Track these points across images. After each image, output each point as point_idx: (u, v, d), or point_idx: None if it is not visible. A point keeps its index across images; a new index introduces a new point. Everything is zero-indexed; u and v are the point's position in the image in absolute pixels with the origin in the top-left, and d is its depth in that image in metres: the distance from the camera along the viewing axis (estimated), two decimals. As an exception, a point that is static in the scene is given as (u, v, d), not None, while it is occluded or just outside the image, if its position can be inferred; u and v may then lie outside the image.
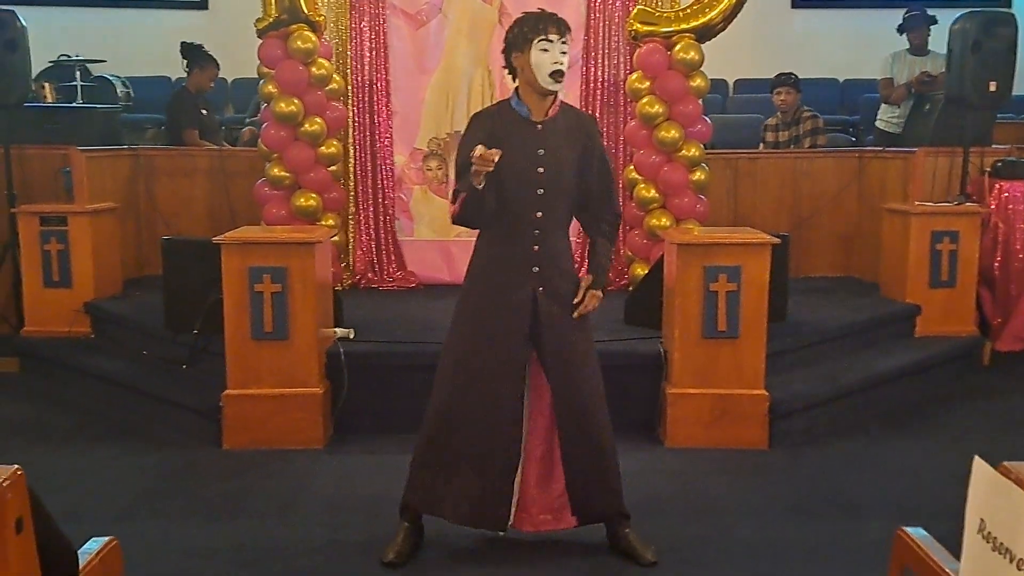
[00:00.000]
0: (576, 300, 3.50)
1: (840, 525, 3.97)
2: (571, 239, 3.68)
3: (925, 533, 2.37)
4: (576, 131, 3.48)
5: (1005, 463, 1.80)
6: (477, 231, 3.56)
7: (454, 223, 3.51)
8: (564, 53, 3.35)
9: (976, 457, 1.88)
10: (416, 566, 3.59)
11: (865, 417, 5.29)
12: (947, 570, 2.15)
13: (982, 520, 1.83)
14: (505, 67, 3.48)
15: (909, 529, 2.41)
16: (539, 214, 3.41)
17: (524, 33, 3.35)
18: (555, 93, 3.42)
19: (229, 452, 4.75)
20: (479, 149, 3.16)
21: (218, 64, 7.80)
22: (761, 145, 7.79)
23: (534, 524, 3.66)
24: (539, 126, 3.41)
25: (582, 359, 3.56)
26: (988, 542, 1.79)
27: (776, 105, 7.70)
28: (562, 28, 3.37)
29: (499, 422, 3.48)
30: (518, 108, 3.45)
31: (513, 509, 3.57)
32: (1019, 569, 1.68)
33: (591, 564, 3.62)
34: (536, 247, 3.44)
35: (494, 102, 3.63)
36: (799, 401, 5.01)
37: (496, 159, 3.14)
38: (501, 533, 3.65)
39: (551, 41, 3.32)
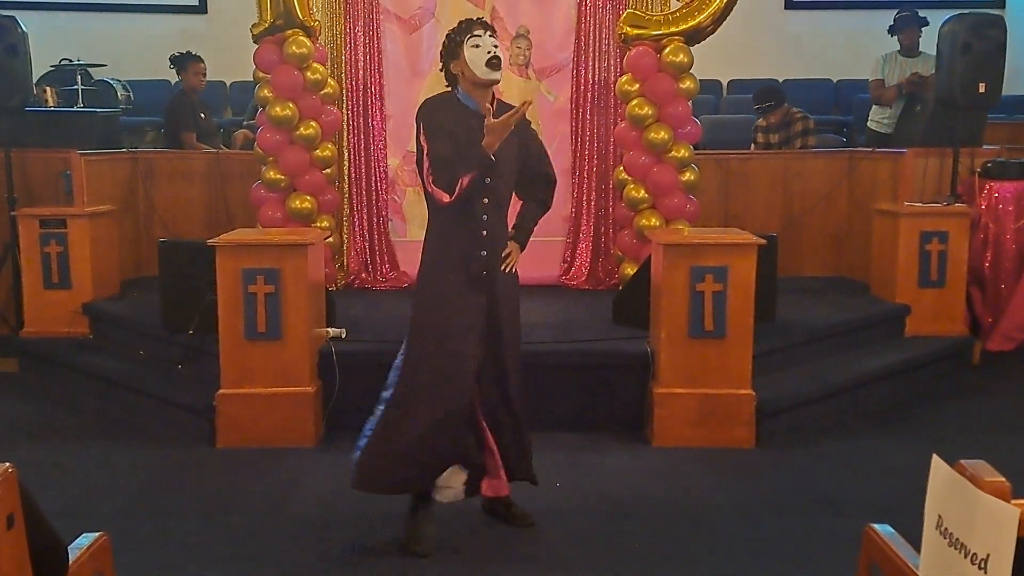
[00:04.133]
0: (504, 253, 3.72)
1: (822, 523, 4.03)
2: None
3: (892, 530, 2.43)
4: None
5: (961, 461, 1.85)
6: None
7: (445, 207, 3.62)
8: (496, 45, 3.53)
9: (934, 455, 1.94)
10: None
11: (852, 416, 5.35)
12: (910, 565, 2.22)
13: (940, 516, 1.89)
14: (447, 83, 3.67)
15: (877, 526, 2.47)
16: (485, 200, 3.59)
17: (454, 39, 3.59)
18: (495, 84, 3.57)
19: (222, 450, 4.82)
20: (490, 119, 3.39)
21: (202, 59, 7.89)
22: (752, 146, 7.83)
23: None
24: (486, 118, 3.50)
25: (512, 332, 3.79)
26: (945, 538, 1.85)
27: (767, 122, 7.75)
28: (487, 26, 3.58)
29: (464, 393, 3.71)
30: (465, 100, 3.60)
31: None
32: (973, 563, 1.74)
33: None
34: (484, 232, 3.62)
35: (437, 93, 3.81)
36: (786, 400, 5.08)
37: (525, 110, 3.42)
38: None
39: (479, 36, 3.52)
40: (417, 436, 3.63)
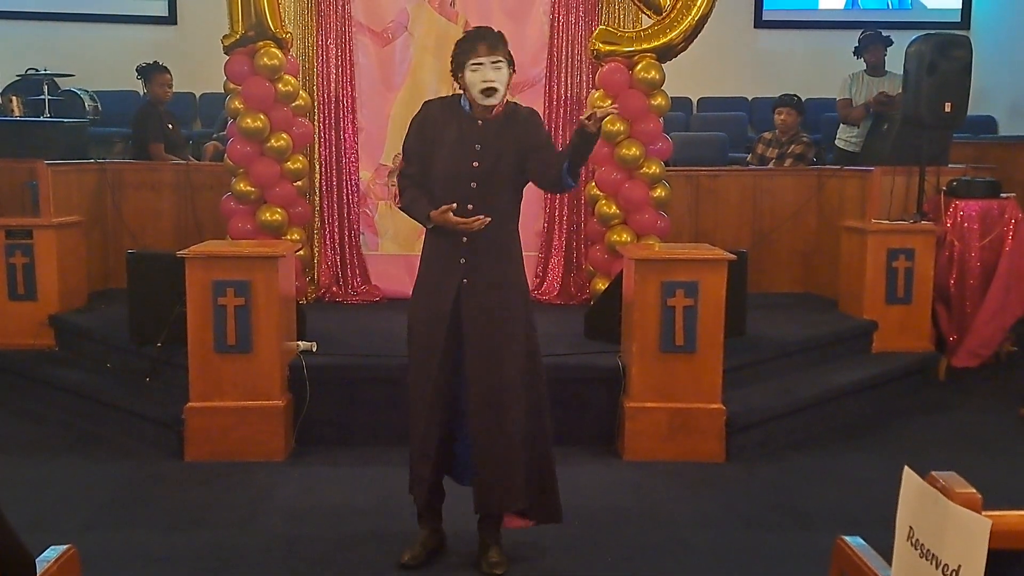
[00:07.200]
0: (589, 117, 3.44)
1: (792, 535, 4.06)
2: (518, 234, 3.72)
3: (862, 542, 2.44)
4: (512, 124, 3.60)
5: (933, 473, 1.87)
6: None
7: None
8: (497, 68, 3.48)
9: (906, 467, 1.95)
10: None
11: (821, 431, 5.38)
12: (880, 577, 2.23)
13: (911, 528, 1.90)
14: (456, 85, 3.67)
15: (847, 538, 2.48)
16: (470, 207, 3.50)
17: (458, 56, 3.54)
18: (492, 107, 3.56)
19: (191, 464, 4.77)
20: (444, 212, 3.44)
21: (168, 70, 7.84)
22: (749, 155, 7.92)
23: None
24: (480, 122, 3.55)
25: (502, 350, 3.57)
26: (916, 549, 1.86)
27: (776, 124, 7.80)
28: (492, 44, 3.51)
29: (431, 411, 3.61)
30: (464, 104, 3.61)
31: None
32: (944, 574, 1.75)
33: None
34: (465, 238, 3.53)
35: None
36: (756, 415, 5.10)
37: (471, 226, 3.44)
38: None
39: (481, 63, 3.46)
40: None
